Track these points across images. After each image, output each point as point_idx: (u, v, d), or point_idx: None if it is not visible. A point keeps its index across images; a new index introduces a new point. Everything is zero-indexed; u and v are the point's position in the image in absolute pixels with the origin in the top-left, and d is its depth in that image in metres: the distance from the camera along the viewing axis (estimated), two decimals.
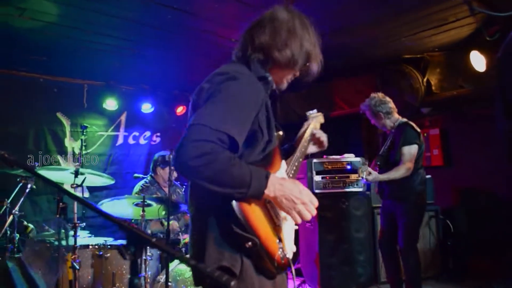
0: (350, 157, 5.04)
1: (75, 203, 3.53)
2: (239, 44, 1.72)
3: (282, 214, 1.56)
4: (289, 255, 1.60)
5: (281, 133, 1.75)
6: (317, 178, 4.81)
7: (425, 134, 5.77)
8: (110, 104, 6.06)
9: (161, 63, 5.46)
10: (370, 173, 3.81)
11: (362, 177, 3.82)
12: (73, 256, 3.38)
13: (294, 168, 1.80)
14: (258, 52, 1.63)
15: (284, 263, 1.52)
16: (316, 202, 1.50)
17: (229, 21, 3.97)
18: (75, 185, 3.51)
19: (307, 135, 2.03)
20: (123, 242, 3.74)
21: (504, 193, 4.97)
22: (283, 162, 1.72)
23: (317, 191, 4.75)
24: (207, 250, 1.46)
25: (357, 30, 4.37)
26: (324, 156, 4.94)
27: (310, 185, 4.79)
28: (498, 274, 4.66)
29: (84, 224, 5.36)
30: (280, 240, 1.54)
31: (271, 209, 1.52)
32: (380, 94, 4.09)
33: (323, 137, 2.09)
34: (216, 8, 3.67)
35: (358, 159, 4.76)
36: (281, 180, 1.44)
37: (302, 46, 1.65)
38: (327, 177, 4.81)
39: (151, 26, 4.14)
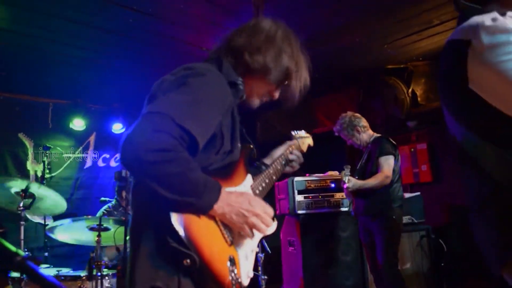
0: (333, 174, 4.78)
1: (21, 228, 3.09)
2: (215, 47, 1.61)
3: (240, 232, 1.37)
4: (244, 281, 1.35)
5: (251, 146, 1.62)
6: (299, 198, 4.54)
7: (412, 149, 5.55)
8: (78, 124, 5.69)
9: (131, 78, 5.14)
10: (349, 180, 3.71)
11: (344, 181, 3.67)
12: None
13: (264, 184, 1.64)
14: (229, 54, 1.52)
15: None
16: (271, 212, 1.36)
17: (198, 24, 3.69)
18: (22, 208, 3.09)
19: (286, 154, 1.88)
20: (81, 272, 3.32)
21: None
22: (249, 176, 1.57)
23: (299, 212, 4.46)
24: (140, 267, 1.23)
25: (336, 35, 4.14)
26: (307, 174, 4.66)
27: (292, 205, 4.50)
28: None
29: (47, 254, 4.96)
30: (234, 262, 1.29)
31: (222, 225, 1.30)
32: (350, 112, 4.09)
33: (296, 162, 1.92)
34: (182, 9, 3.38)
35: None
36: (228, 194, 1.27)
37: (279, 58, 1.52)
38: (310, 197, 4.57)
39: (114, 33, 3.84)
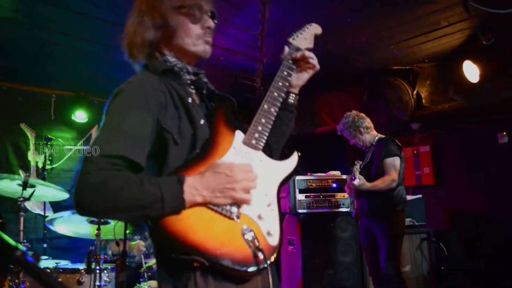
0: (336, 174, 4.76)
1: (21, 219, 3.08)
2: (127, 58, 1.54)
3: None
4: (271, 242, 1.28)
5: (231, 102, 1.51)
6: (301, 197, 4.52)
7: (415, 152, 5.52)
8: (80, 116, 5.66)
9: (134, 72, 5.09)
10: (359, 177, 3.63)
11: (355, 177, 3.57)
12: (16, 280, 2.94)
13: (259, 128, 1.42)
14: (142, 50, 1.46)
15: (261, 260, 1.21)
16: (249, 167, 1.29)
17: None
18: (22, 199, 3.07)
19: (280, 72, 1.55)
20: (79, 265, 3.31)
21: (498, 214, 4.71)
22: (238, 132, 1.41)
23: (300, 211, 4.45)
24: (161, 280, 1.28)
25: (342, 34, 4.11)
26: (308, 173, 4.65)
27: (292, 204, 4.48)
28: None
29: (45, 245, 4.95)
30: (249, 231, 1.25)
31: (219, 207, 1.26)
32: (354, 112, 4.03)
33: (309, 54, 1.59)
34: None
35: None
36: (200, 178, 1.23)
37: (150, 16, 1.44)
38: (311, 196, 4.55)
39: (120, 26, 3.76)
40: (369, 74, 5.17)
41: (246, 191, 1.27)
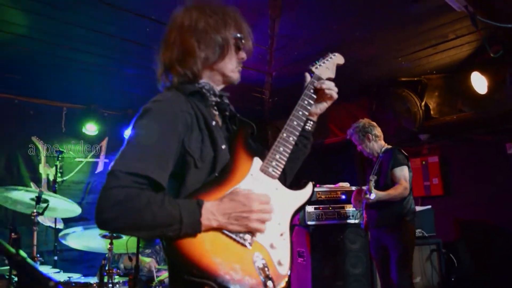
0: (345, 186, 4.77)
1: (35, 233, 3.12)
2: (158, 72, 1.56)
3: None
4: (281, 271, 1.30)
5: (250, 127, 1.52)
6: (310, 208, 4.53)
7: (424, 162, 5.52)
8: (91, 128, 5.72)
9: (145, 85, 5.16)
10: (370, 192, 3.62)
11: (371, 192, 3.54)
12: None
13: (277, 156, 1.43)
14: (176, 69, 1.47)
15: None
16: (267, 199, 1.31)
17: None
18: (35, 213, 3.11)
19: (301, 101, 1.55)
20: (91, 279, 3.33)
21: (506, 225, 4.71)
22: (256, 159, 1.43)
23: (309, 222, 4.45)
24: None
25: (351, 47, 4.15)
26: (317, 185, 4.65)
27: (302, 216, 4.48)
28: None
29: (56, 258, 4.98)
30: (261, 259, 1.27)
31: (234, 233, 1.28)
32: (367, 119, 4.09)
33: (329, 85, 1.59)
34: None
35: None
36: (217, 204, 1.26)
37: (212, 39, 1.46)
38: (321, 208, 4.55)
39: (130, 41, 3.86)
40: (377, 85, 5.20)
41: (260, 222, 1.29)
